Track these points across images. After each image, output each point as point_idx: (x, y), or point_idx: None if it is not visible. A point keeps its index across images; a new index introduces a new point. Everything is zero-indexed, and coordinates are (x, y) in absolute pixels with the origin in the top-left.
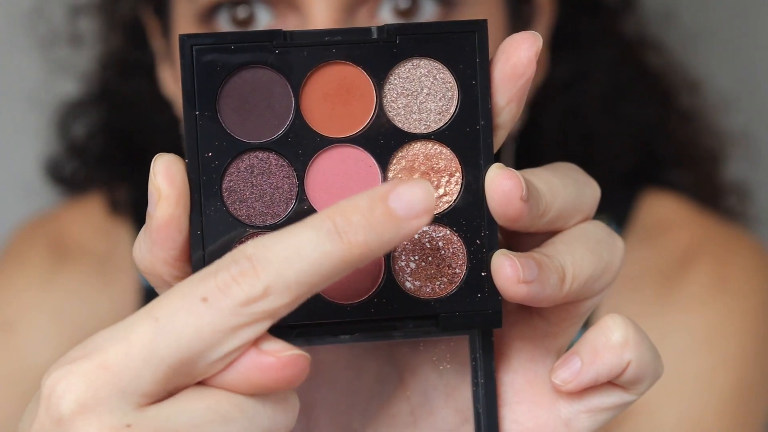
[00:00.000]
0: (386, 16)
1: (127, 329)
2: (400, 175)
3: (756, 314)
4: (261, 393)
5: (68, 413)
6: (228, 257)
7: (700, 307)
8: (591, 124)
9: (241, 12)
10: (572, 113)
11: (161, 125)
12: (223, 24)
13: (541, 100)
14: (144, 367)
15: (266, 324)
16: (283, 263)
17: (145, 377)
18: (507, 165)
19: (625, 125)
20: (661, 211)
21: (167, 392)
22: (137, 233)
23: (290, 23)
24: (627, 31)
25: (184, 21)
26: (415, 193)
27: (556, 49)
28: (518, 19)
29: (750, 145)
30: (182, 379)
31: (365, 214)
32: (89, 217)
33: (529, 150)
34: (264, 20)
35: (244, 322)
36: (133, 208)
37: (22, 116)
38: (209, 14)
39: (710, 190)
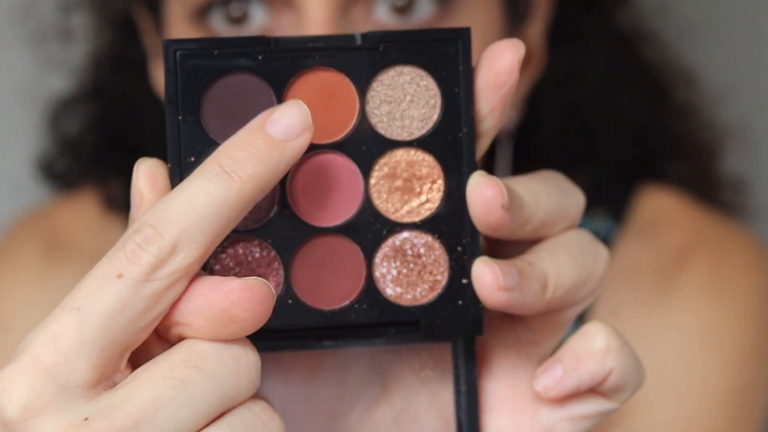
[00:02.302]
0: (382, 14)
1: (50, 325)
2: (382, 182)
3: (752, 313)
4: (226, 329)
5: (16, 418)
6: (130, 229)
7: (696, 305)
8: (588, 118)
9: (235, 10)
10: (569, 108)
11: (154, 122)
12: (217, 22)
13: (538, 95)
14: (77, 358)
15: (183, 283)
16: (182, 218)
17: (82, 368)
18: (504, 161)
19: (621, 119)
20: (658, 206)
21: (109, 375)
22: None
23: (285, 21)
24: (622, 25)
25: (178, 19)
26: (290, 114)
27: (552, 43)
28: (515, 15)
29: (747, 138)
30: (116, 358)
31: (247, 147)
32: (83, 213)
33: (526, 145)
34: (259, 18)
35: (163, 286)
36: (127, 205)
37: (13, 112)
38: (203, 12)
39: (707, 184)
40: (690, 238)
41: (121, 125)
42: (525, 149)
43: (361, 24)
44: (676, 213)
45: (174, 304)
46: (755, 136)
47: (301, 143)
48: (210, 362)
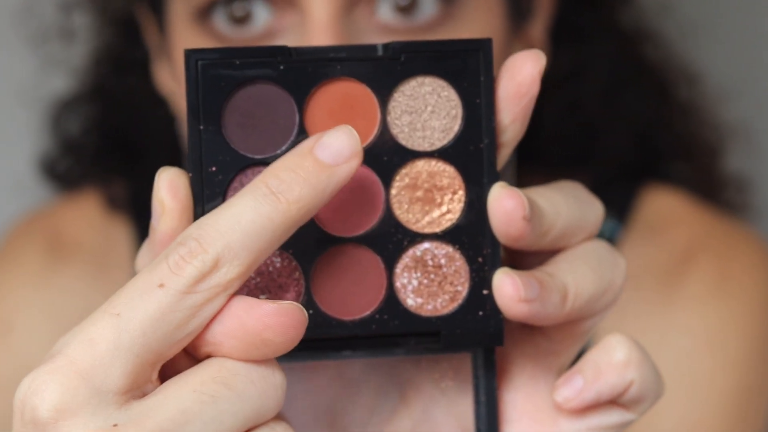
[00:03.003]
0: (385, 14)
1: (88, 329)
2: (403, 192)
3: (758, 314)
4: (257, 351)
5: (48, 419)
6: (175, 242)
7: (702, 307)
8: (591, 117)
9: (238, 9)
10: (572, 107)
11: (156, 122)
12: (220, 22)
13: (541, 94)
14: (112, 363)
15: (222, 299)
16: (227, 234)
17: (116, 373)
18: (509, 162)
19: (624, 119)
20: (663, 207)
21: (141, 384)
22: (134, 230)
23: (288, 21)
24: (625, 24)
25: (180, 18)
26: (340, 139)
27: (555, 42)
28: (518, 14)
29: (750, 137)
30: (149, 367)
31: (295, 169)
32: (85, 214)
33: (528, 146)
34: (262, 18)
35: (202, 299)
36: (130, 205)
37: (15, 113)
38: (206, 11)
39: (709, 183)
40: (696, 238)
41: (122, 125)
42: (527, 150)
43: (364, 24)
44: (681, 213)
45: (208, 323)
46: (758, 135)
47: (349, 168)
48: (239, 380)
